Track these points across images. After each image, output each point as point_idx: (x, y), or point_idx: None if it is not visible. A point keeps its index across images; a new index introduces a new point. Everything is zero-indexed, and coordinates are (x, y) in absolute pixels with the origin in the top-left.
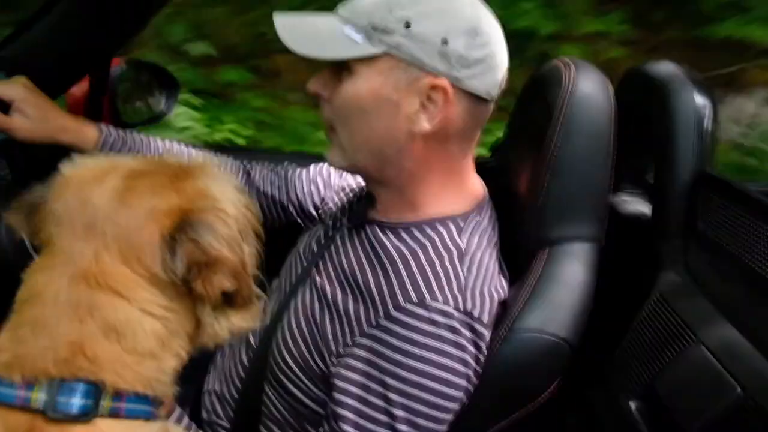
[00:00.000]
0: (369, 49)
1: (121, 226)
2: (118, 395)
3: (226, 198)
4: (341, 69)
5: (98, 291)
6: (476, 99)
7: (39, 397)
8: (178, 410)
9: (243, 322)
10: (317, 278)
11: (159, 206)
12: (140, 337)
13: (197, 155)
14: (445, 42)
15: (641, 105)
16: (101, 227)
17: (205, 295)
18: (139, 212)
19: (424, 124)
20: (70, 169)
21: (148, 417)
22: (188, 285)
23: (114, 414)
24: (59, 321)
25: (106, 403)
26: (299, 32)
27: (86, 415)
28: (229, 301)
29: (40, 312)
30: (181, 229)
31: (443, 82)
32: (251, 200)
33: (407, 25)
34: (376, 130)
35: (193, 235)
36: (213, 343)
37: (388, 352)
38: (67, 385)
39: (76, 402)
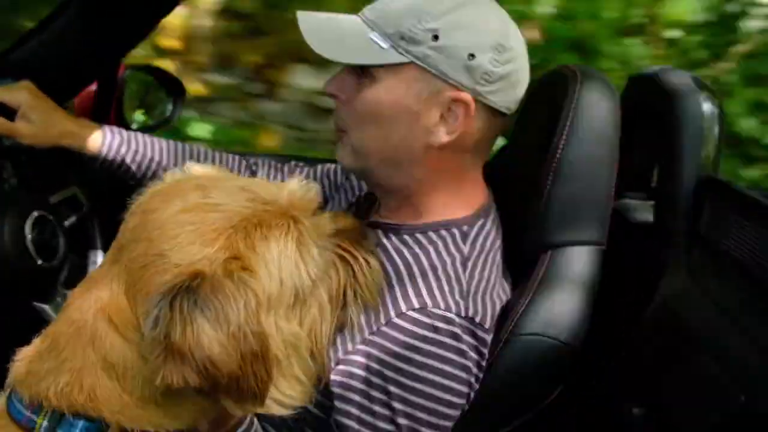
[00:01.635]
0: (394, 57)
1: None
2: None
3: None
4: (362, 74)
5: (102, 321)
6: (495, 113)
7: (43, 424)
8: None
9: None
10: None
11: (191, 253)
12: (138, 379)
13: (203, 155)
14: (471, 56)
15: (647, 110)
16: (126, 252)
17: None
18: (161, 248)
19: (442, 137)
20: (156, 184)
21: None
22: None
23: None
24: (68, 344)
25: None
26: (324, 34)
27: None
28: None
29: (61, 328)
30: (179, 291)
31: (466, 96)
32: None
33: (435, 37)
34: (392, 139)
35: (182, 305)
36: None
37: (389, 360)
38: (67, 420)
39: None
